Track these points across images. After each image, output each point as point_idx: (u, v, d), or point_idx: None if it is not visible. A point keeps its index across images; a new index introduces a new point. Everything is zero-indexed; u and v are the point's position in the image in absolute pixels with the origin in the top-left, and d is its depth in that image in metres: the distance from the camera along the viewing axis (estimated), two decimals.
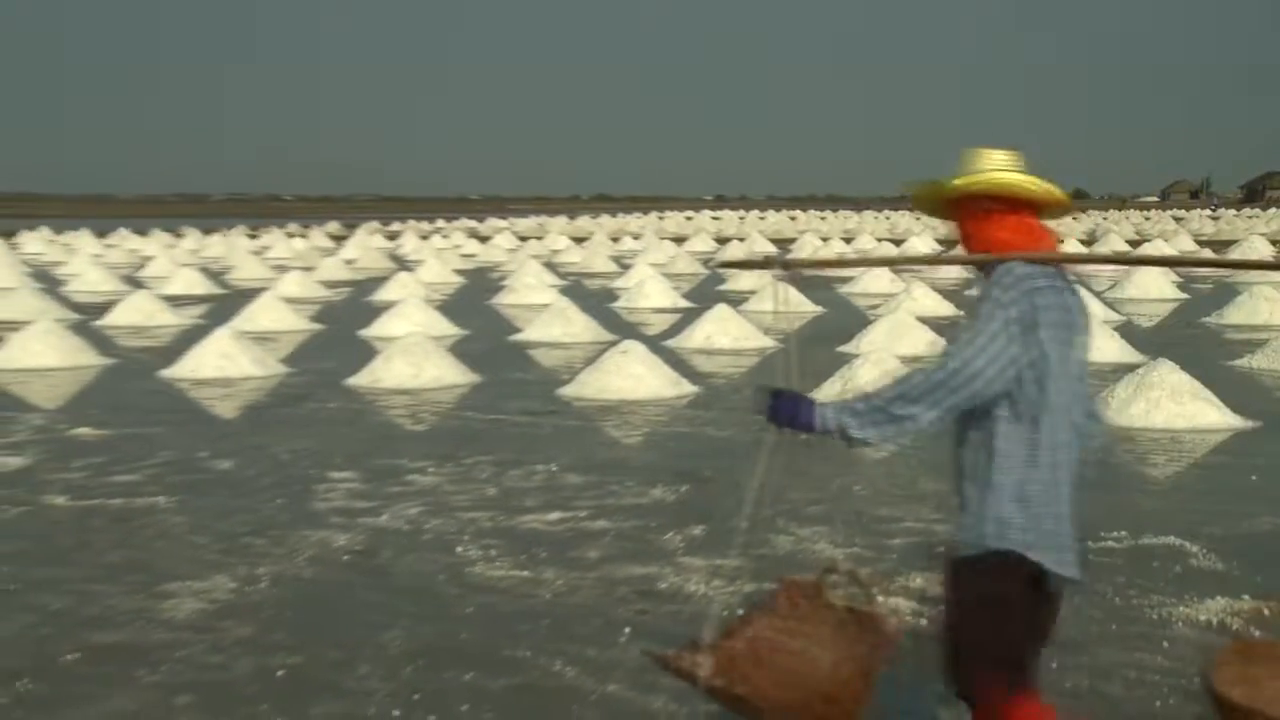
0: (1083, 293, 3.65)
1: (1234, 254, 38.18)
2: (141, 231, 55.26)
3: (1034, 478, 3.39)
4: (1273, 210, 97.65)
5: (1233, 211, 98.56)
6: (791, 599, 3.70)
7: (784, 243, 49.27)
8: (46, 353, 15.11)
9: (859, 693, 3.50)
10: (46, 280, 29.60)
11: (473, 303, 24.18)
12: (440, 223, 77.56)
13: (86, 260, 34.87)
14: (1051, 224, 3.61)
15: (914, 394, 3.36)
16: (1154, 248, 41.92)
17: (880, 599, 3.81)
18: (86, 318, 20.67)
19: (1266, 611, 4.33)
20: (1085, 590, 3.60)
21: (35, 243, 49.60)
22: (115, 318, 20.33)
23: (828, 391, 11.90)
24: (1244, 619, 4.15)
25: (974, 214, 3.52)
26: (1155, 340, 17.27)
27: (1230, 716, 3.32)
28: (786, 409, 3.47)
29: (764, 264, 3.89)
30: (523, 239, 53.45)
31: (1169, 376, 11.16)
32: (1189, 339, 18.06)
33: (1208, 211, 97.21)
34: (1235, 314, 20.10)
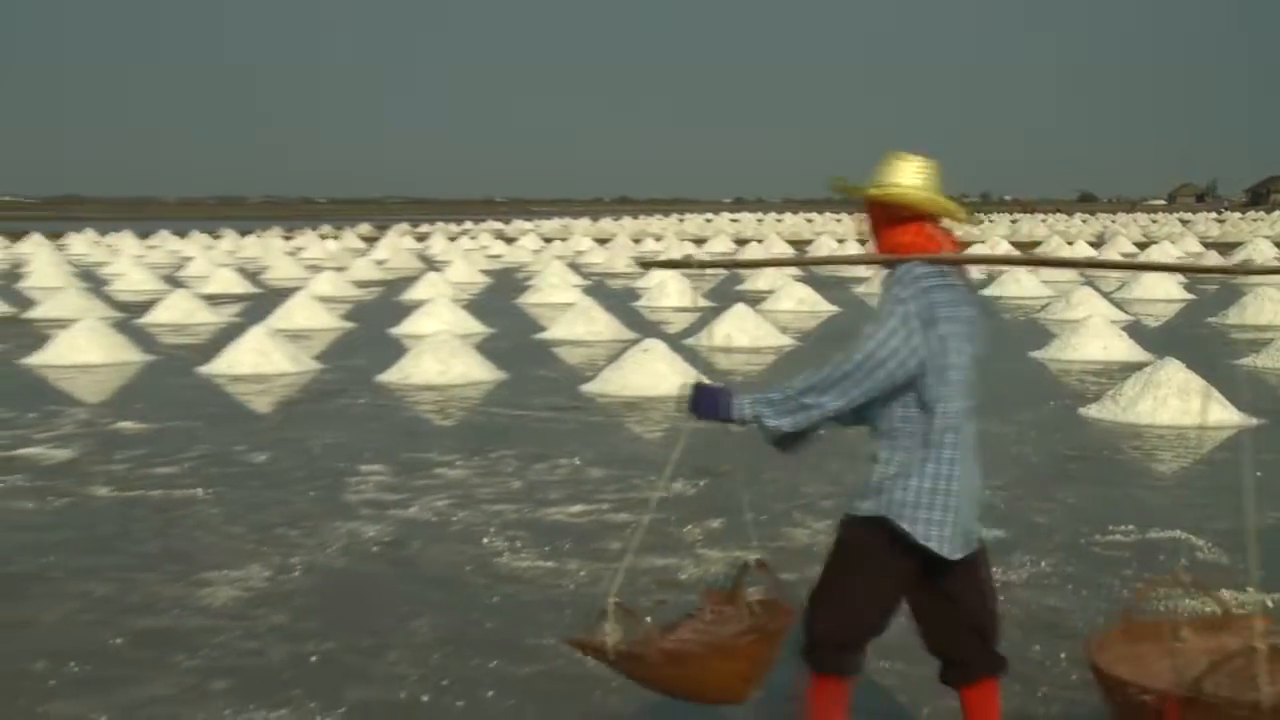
0: (976, 293, 3.82)
1: (1239, 255, 37.86)
2: (181, 233, 55.47)
3: (930, 459, 3.56)
4: (1277, 213, 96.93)
5: (1238, 214, 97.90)
6: (713, 608, 3.86)
7: (801, 244, 49.12)
8: (91, 349, 15.21)
9: (757, 652, 3.65)
10: (91, 280, 29.75)
11: (499, 302, 24.21)
12: (468, 224, 77.70)
13: (129, 261, 35.03)
14: (957, 229, 3.85)
15: (823, 385, 3.55)
16: (1161, 251, 41.67)
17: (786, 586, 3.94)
18: (129, 316, 20.77)
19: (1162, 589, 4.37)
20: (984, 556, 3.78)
21: (81, 244, 49.88)
22: (156, 316, 20.43)
23: None
24: (1140, 595, 4.32)
25: (883, 217, 3.70)
26: (1162, 339, 17.17)
27: (1111, 690, 3.37)
28: (708, 401, 3.64)
29: (683, 264, 4.13)
30: (547, 240, 53.51)
31: (1176, 375, 11.11)
32: (1195, 339, 17.94)
33: (1214, 214, 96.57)
34: (1240, 314, 19.99)
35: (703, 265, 4.20)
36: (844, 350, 3.56)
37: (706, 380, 3.74)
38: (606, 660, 3.59)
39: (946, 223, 3.79)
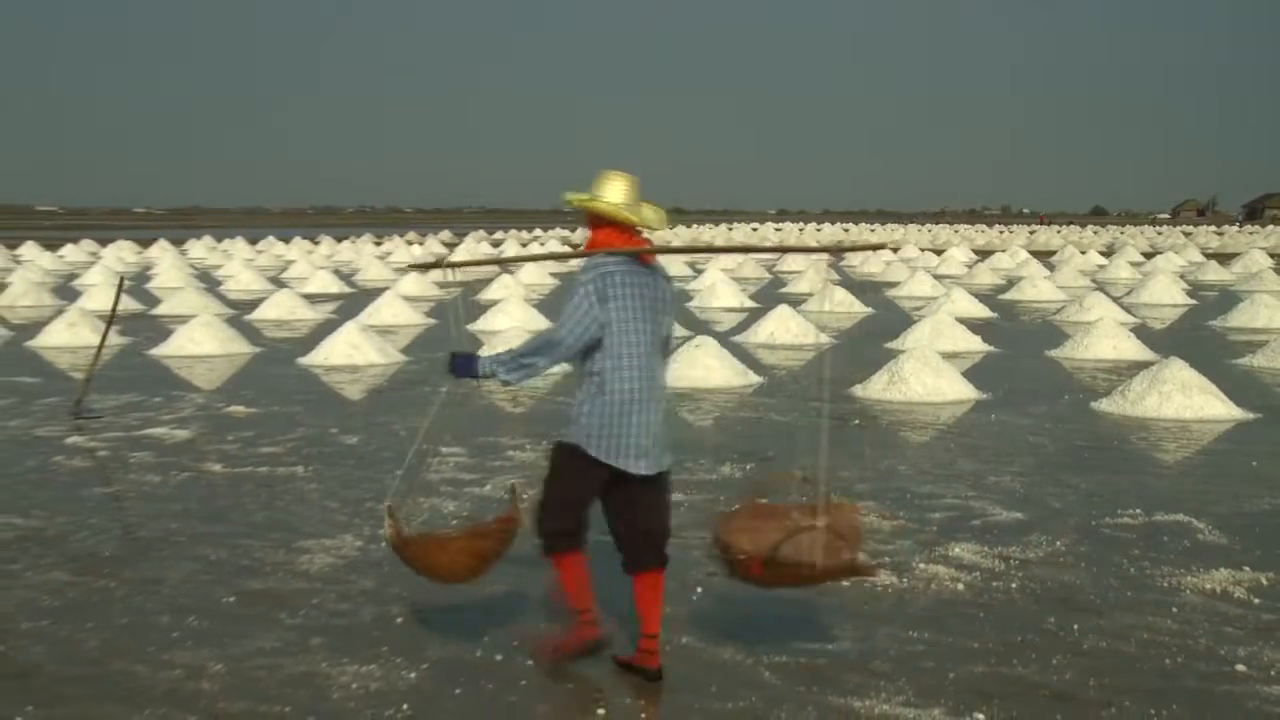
0: (665, 279, 4.44)
1: (1237, 266, 37.16)
2: (285, 239, 56.12)
3: (603, 400, 4.23)
4: (1270, 227, 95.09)
5: (1235, 228, 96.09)
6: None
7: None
8: (207, 342, 15.43)
9: (467, 545, 4.45)
10: (208, 280, 30.20)
11: (565, 302, 24.20)
12: (538, 231, 77.95)
13: (240, 264, 35.42)
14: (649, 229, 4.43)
15: (535, 349, 4.31)
16: (1165, 259, 40.89)
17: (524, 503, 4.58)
18: (239, 312, 21.05)
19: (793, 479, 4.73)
20: (661, 481, 4.44)
21: (199, 249, 50.59)
22: (263, 313, 20.67)
23: (875, 385, 11.81)
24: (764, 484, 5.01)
25: (589, 220, 4.40)
26: (1167, 340, 16.88)
27: (721, 552, 4.17)
28: (462, 364, 4.38)
29: (439, 265, 4.79)
30: None
31: (1179, 373, 10.92)
32: (1197, 340, 17.61)
33: (1214, 227, 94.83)
34: (1238, 318, 19.61)
35: (461, 265, 4.81)
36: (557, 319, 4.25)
37: (461, 350, 4.43)
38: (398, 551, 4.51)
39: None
